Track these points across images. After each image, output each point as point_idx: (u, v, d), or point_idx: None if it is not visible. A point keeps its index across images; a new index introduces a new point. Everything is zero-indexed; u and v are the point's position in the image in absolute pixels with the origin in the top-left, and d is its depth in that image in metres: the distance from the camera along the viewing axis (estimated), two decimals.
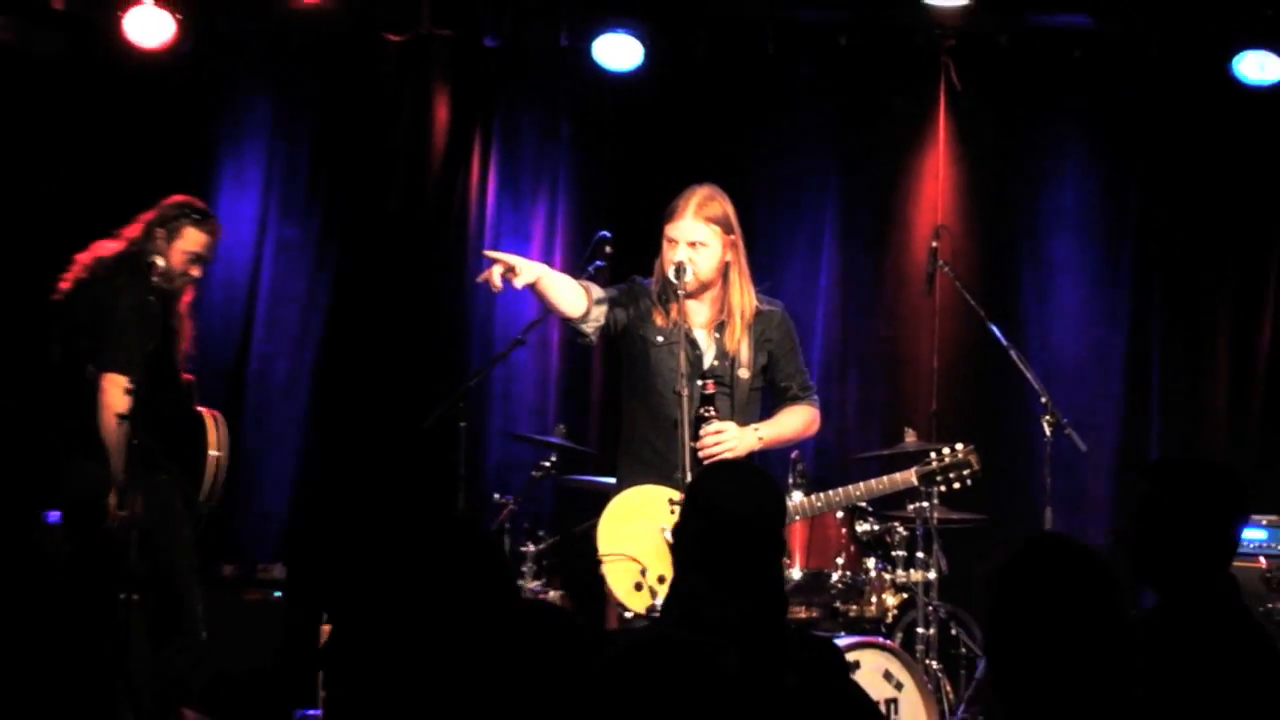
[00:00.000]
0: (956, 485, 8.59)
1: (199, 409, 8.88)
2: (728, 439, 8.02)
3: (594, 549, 7.93)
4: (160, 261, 8.74)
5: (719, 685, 4.08)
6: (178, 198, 8.96)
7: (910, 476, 8.51)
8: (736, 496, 5.49)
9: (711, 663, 4.13)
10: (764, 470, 6.40)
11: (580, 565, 8.07)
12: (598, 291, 8.33)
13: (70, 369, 8.62)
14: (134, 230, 8.81)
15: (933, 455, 8.57)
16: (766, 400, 8.46)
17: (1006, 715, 4.46)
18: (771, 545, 5.49)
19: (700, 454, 7.96)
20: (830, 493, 8.47)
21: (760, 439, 8.20)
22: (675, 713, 4.03)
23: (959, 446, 8.56)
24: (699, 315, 8.30)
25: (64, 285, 8.77)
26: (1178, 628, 5.44)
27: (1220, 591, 5.65)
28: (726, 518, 5.39)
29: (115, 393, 8.60)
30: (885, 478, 8.52)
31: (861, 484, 8.47)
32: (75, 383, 8.50)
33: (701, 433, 8.02)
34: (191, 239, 8.96)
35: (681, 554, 5.46)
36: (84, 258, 8.79)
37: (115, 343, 8.69)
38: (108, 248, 8.76)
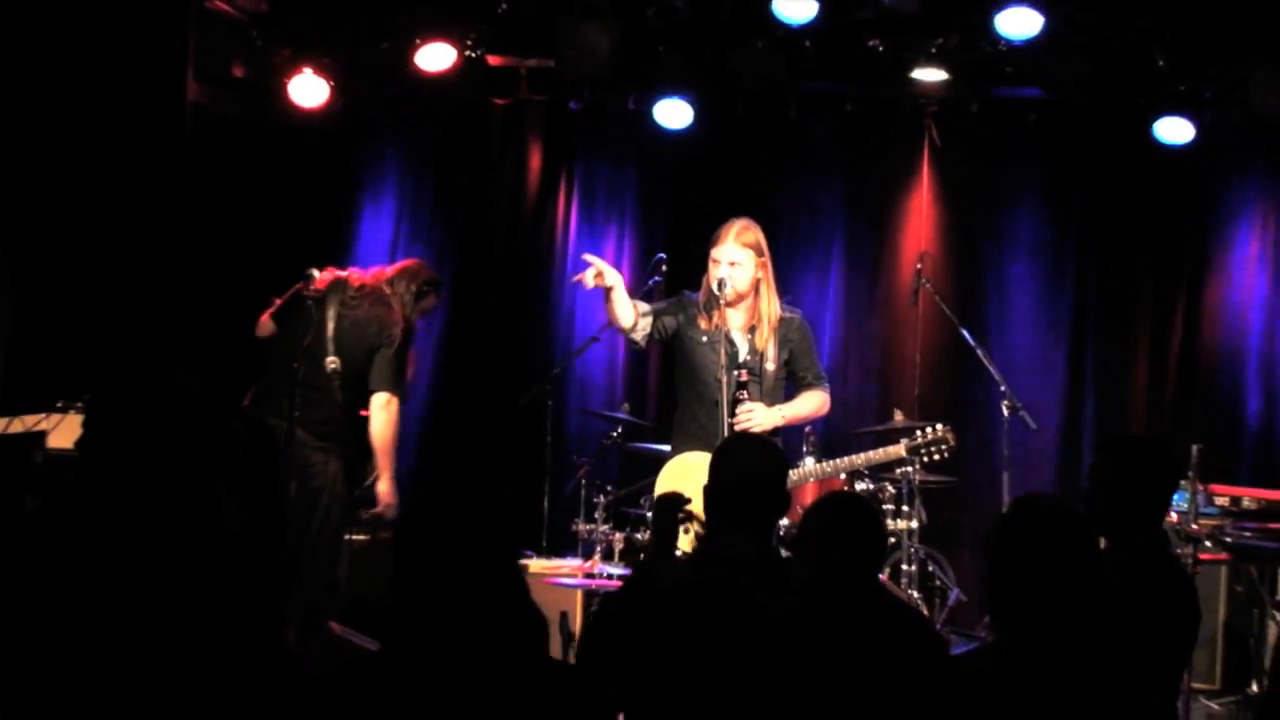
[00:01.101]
0: (936, 457, 8.65)
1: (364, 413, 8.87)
2: (756, 416, 8.10)
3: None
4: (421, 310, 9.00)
5: (762, 630, 4.01)
6: (428, 271, 9.00)
7: (900, 449, 8.60)
8: (748, 461, 5.48)
9: (756, 608, 4.05)
10: (772, 441, 6.40)
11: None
12: (644, 308, 8.48)
13: (288, 351, 8.55)
14: (390, 274, 8.80)
15: (918, 433, 8.65)
16: (788, 387, 8.45)
17: (1002, 636, 4.46)
18: (774, 500, 5.44)
19: (735, 428, 7.97)
20: (836, 460, 8.58)
21: (783, 417, 8.30)
22: (720, 648, 3.96)
23: (939, 427, 8.62)
24: (735, 320, 8.38)
25: (319, 286, 8.70)
26: (1121, 566, 5.45)
27: (1156, 540, 5.66)
28: (740, 476, 5.36)
29: (393, 410, 8.77)
30: (880, 450, 8.61)
31: (861, 454, 8.61)
32: (287, 362, 8.47)
33: (736, 411, 8.08)
34: (430, 304, 9.11)
35: (708, 503, 5.44)
36: (353, 277, 8.75)
37: (396, 371, 8.83)
38: (371, 279, 8.75)
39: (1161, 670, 5.53)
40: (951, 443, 8.69)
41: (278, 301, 8.85)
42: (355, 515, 9.22)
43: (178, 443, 4.39)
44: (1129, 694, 4.50)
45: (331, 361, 8.42)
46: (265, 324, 8.90)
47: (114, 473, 4.39)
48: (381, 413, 8.74)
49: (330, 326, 8.53)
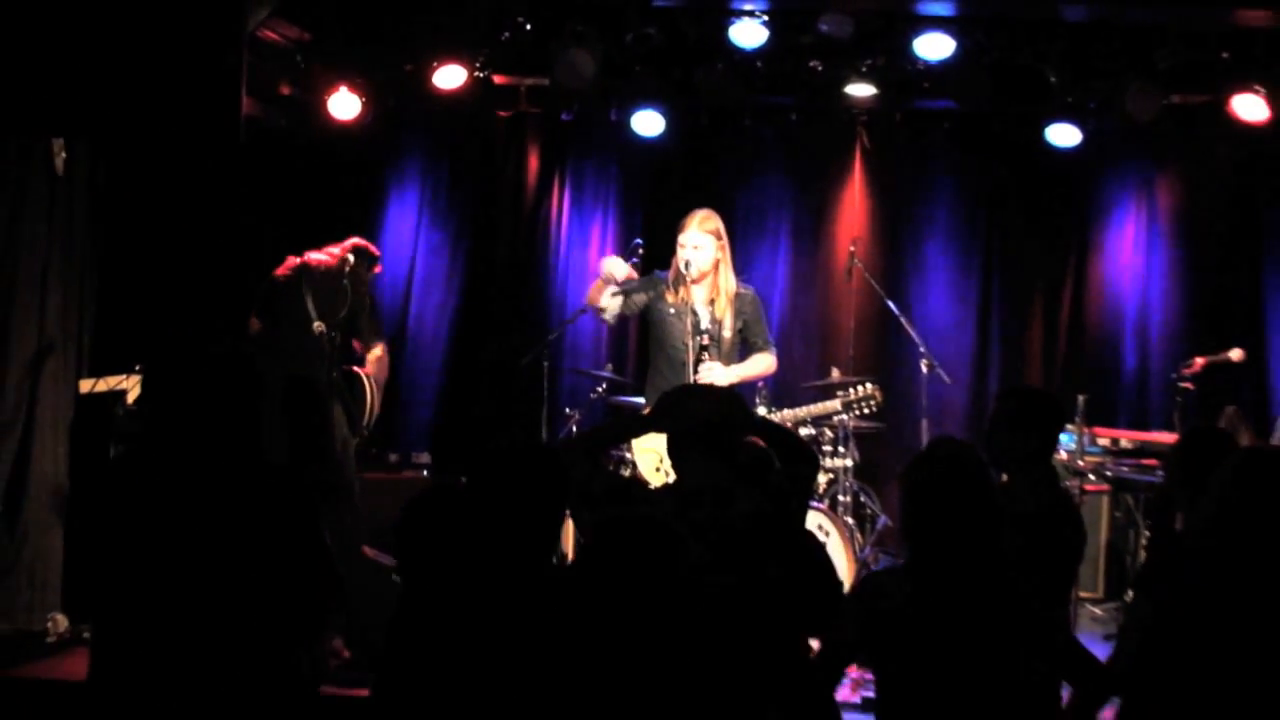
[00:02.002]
0: (866, 411, 8.79)
1: (355, 369, 8.79)
2: (715, 374, 8.10)
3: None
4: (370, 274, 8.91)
5: (678, 568, 4.10)
6: (369, 245, 8.88)
7: (836, 404, 8.70)
8: (703, 402, 5.46)
9: (675, 545, 4.13)
10: (727, 388, 6.39)
11: None
12: (614, 289, 8.55)
13: (301, 320, 8.51)
14: (342, 253, 8.69)
15: (851, 390, 8.74)
16: (742, 351, 8.46)
17: (914, 553, 4.54)
18: (727, 436, 5.39)
19: (698, 379, 8.04)
20: (784, 411, 8.63)
21: (739, 376, 8.32)
22: (640, 577, 4.06)
23: (868, 385, 8.72)
24: (699, 294, 8.38)
25: (284, 272, 8.66)
26: (1017, 497, 5.46)
27: (1046, 474, 5.66)
28: (696, 416, 5.34)
29: (386, 354, 8.91)
30: (819, 404, 8.77)
31: (804, 407, 8.72)
32: (304, 327, 8.44)
33: (699, 369, 8.06)
34: (372, 271, 8.92)
35: (671, 440, 5.43)
36: (312, 261, 8.66)
37: (378, 323, 8.93)
38: (326, 257, 8.66)
39: (1054, 582, 5.55)
40: (879, 399, 8.77)
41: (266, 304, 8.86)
42: (367, 453, 9.25)
43: (218, 394, 4.41)
44: (1024, 602, 4.54)
45: (318, 326, 8.40)
46: (254, 325, 8.87)
47: (169, 422, 4.42)
48: (382, 360, 8.83)
49: (310, 303, 8.50)
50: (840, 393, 8.83)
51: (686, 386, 7.39)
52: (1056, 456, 9.04)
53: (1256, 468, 4.77)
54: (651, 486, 7.64)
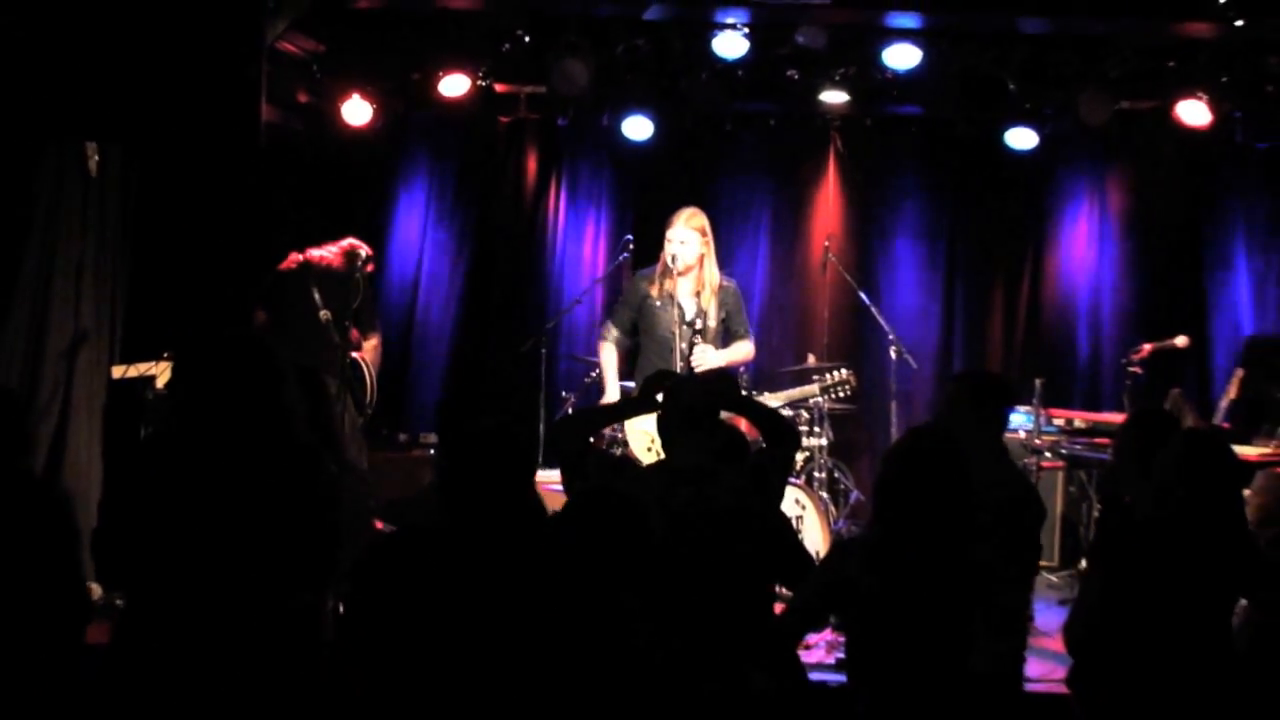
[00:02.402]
0: (841, 395, 8.80)
1: (355, 355, 8.78)
2: (708, 357, 8.25)
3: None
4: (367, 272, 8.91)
5: (645, 535, 4.14)
6: (364, 245, 8.86)
7: (814, 389, 8.74)
8: (692, 392, 5.48)
9: (642, 517, 4.17)
10: (720, 375, 6.43)
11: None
12: (616, 334, 8.81)
13: (307, 310, 8.52)
14: (345, 249, 8.69)
15: (828, 376, 8.80)
16: (724, 339, 8.51)
17: (883, 532, 4.54)
18: (711, 422, 5.42)
19: (692, 361, 8.22)
20: (765, 395, 8.62)
21: (725, 359, 8.43)
22: (611, 547, 4.10)
23: (843, 371, 8.77)
24: (685, 286, 8.45)
25: (289, 266, 8.65)
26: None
27: (996, 450, 5.65)
28: (685, 404, 5.37)
29: (380, 343, 8.99)
30: (798, 389, 8.80)
31: (783, 392, 8.82)
32: (311, 316, 8.44)
33: (693, 352, 8.28)
34: (370, 269, 8.91)
35: (663, 423, 5.45)
36: (313, 257, 8.68)
37: (373, 317, 9.01)
38: (329, 254, 8.66)
39: (1020, 550, 5.55)
40: (854, 384, 8.83)
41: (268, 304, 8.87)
42: (379, 434, 9.23)
43: (242, 379, 4.42)
44: (981, 571, 4.58)
45: (324, 314, 8.39)
46: (260, 317, 8.85)
47: (197, 405, 4.43)
48: (378, 349, 8.95)
49: (317, 295, 8.49)
50: (816, 377, 8.89)
51: (672, 372, 7.45)
52: (1015, 436, 9.10)
53: (1198, 448, 4.83)
54: (643, 465, 7.68)
